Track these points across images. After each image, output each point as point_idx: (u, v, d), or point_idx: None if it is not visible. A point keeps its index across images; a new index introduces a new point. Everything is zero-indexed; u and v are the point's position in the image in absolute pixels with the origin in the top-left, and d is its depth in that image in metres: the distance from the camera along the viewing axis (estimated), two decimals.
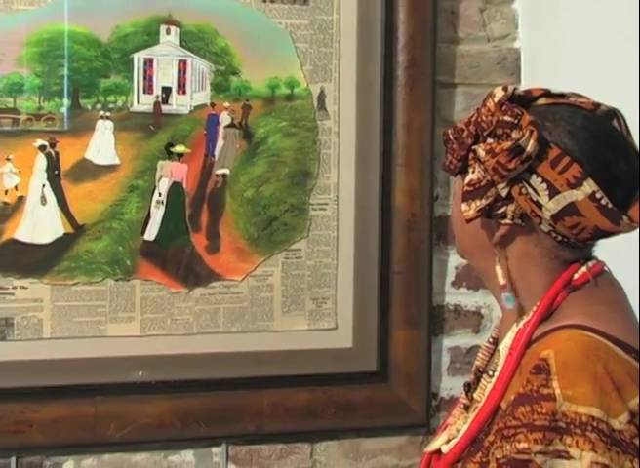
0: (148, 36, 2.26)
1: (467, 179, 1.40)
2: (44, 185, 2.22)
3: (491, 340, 1.57)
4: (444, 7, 2.44)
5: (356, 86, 2.38)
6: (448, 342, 2.50)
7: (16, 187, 2.20)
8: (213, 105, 2.31)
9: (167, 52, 2.28)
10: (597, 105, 1.41)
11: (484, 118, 1.38)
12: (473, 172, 1.39)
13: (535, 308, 1.40)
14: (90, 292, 2.25)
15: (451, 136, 1.44)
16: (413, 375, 2.41)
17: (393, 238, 2.38)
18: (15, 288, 2.21)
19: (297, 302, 2.37)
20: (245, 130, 2.32)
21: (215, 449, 2.35)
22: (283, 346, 2.36)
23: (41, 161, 2.21)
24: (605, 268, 1.45)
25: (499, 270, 1.45)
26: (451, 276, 2.49)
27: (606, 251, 1.47)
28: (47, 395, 2.21)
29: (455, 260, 2.47)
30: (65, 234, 2.24)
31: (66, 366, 2.23)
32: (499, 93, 1.37)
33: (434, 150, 2.40)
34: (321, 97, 2.36)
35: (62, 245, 2.23)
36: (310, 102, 2.36)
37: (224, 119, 2.31)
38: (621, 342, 1.31)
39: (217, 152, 2.31)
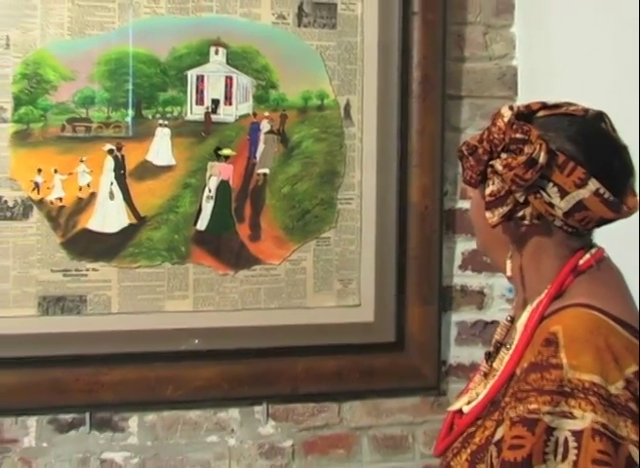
0: (200, 56, 2.25)
1: (488, 191, 1.38)
2: (112, 183, 2.21)
3: (509, 318, 1.57)
4: (452, 31, 2.43)
5: (377, 98, 2.36)
6: (455, 317, 2.48)
7: (88, 185, 2.20)
8: (255, 115, 2.29)
9: (216, 69, 2.26)
10: (586, 111, 1.41)
11: (496, 136, 1.37)
12: (493, 183, 1.38)
13: (546, 290, 1.40)
14: (150, 274, 2.25)
15: (465, 153, 1.43)
16: (425, 345, 2.40)
17: (408, 228, 2.37)
18: (88, 270, 2.21)
19: (326, 283, 2.36)
20: (282, 135, 2.31)
21: (256, 408, 2.35)
22: (314, 320, 2.35)
23: (109, 162, 2.21)
24: (605, 254, 1.45)
25: (509, 264, 1.45)
26: (458, 261, 2.48)
27: (608, 238, 1.47)
28: (115, 361, 2.21)
29: (461, 247, 2.47)
30: (130, 224, 2.23)
31: (131, 336, 2.23)
32: (506, 113, 1.37)
33: (444, 153, 2.39)
34: (347, 107, 2.35)
35: (127, 234, 2.23)
36: (338, 112, 2.34)
37: (264, 126, 2.30)
38: (619, 319, 1.32)
39: (258, 155, 2.30)
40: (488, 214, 1.39)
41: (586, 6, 2.24)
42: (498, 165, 1.36)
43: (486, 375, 1.51)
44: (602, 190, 1.32)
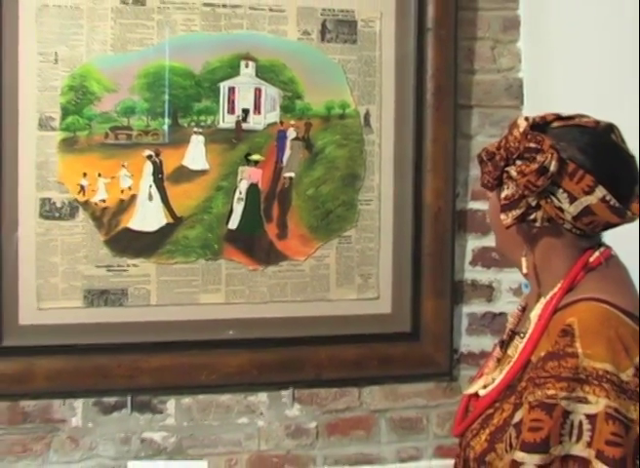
0: (231, 69, 2.24)
1: (503, 195, 1.40)
2: (151, 186, 2.21)
3: (520, 308, 1.58)
4: (463, 46, 2.42)
5: (394, 107, 2.36)
6: (466, 309, 2.47)
7: (129, 187, 2.20)
8: (282, 123, 2.28)
9: (246, 81, 2.26)
10: (597, 123, 1.41)
11: (512, 144, 1.38)
12: (507, 188, 1.39)
13: (559, 285, 1.41)
14: (186, 270, 2.24)
15: (484, 158, 1.44)
16: (438, 335, 2.39)
17: (423, 227, 2.36)
18: (128, 266, 2.21)
19: (347, 278, 2.35)
20: (307, 142, 2.30)
21: (283, 392, 2.35)
22: (336, 312, 2.34)
23: (149, 167, 2.21)
24: (613, 252, 1.46)
25: (524, 262, 1.45)
26: (469, 257, 2.46)
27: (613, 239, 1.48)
28: (154, 348, 2.21)
29: (472, 245, 2.45)
30: (167, 224, 2.23)
31: (168, 326, 2.23)
32: (522, 123, 1.39)
33: (455, 158, 2.39)
34: (366, 116, 2.34)
35: (165, 232, 2.23)
36: (358, 120, 2.33)
37: (291, 134, 2.29)
38: (628, 312, 1.33)
39: (285, 159, 2.29)
40: (502, 216, 1.40)
41: (586, 23, 2.24)
42: (512, 171, 1.37)
43: (499, 361, 1.52)
44: (608, 197, 1.33)
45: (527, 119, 1.39)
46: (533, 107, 2.43)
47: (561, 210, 1.35)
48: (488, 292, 2.47)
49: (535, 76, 2.45)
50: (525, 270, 1.45)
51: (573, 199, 1.34)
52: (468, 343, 2.46)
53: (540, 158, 1.33)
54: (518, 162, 1.37)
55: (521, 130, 1.38)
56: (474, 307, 2.47)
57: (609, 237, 1.48)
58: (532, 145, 1.35)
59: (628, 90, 2.12)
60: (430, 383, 2.44)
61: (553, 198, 1.35)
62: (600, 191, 1.33)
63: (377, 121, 2.35)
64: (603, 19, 2.20)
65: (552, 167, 1.32)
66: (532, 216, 1.39)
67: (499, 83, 2.48)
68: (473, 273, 2.47)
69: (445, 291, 2.38)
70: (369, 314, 2.37)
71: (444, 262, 2.38)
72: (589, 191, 1.33)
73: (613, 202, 1.34)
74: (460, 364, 2.45)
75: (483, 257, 2.46)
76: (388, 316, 2.38)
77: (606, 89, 2.15)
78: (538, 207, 1.37)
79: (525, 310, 1.55)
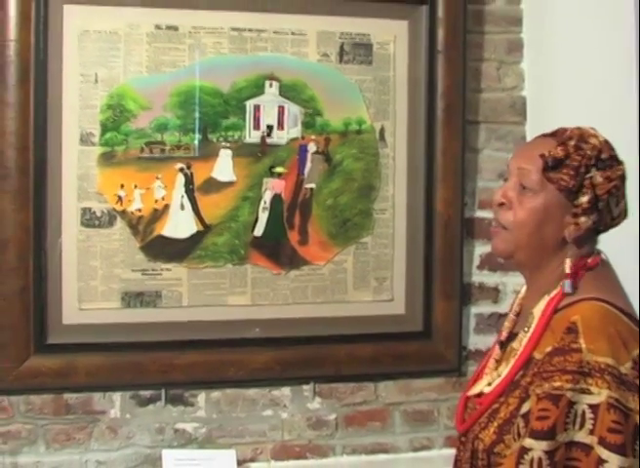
0: (257, 88, 2.23)
1: (584, 199, 1.38)
2: (182, 196, 2.20)
3: (514, 312, 1.57)
4: (471, 66, 2.40)
5: (407, 123, 2.34)
6: (474, 310, 2.45)
7: (163, 198, 2.19)
8: (303, 138, 2.27)
9: (270, 99, 2.25)
10: None
11: (589, 152, 1.38)
12: (587, 193, 1.38)
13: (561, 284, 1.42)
14: (215, 273, 2.23)
15: (550, 163, 1.40)
16: (449, 334, 2.37)
17: (434, 234, 2.34)
18: (162, 270, 2.20)
19: (364, 281, 2.33)
20: (326, 155, 2.29)
21: (305, 387, 2.33)
22: (354, 313, 2.33)
23: (180, 179, 2.20)
24: (605, 257, 1.47)
25: (568, 262, 1.42)
26: (476, 261, 2.45)
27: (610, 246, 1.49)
28: (186, 346, 2.20)
29: (479, 250, 2.44)
30: (198, 231, 2.22)
31: (199, 326, 2.22)
32: (599, 134, 1.42)
33: (464, 170, 2.37)
34: (382, 131, 2.32)
35: (195, 239, 2.22)
36: (374, 136, 2.32)
37: (311, 148, 2.28)
38: (623, 310, 1.36)
39: (306, 172, 2.28)
40: (583, 219, 1.39)
41: (586, 45, 2.26)
42: (599, 177, 1.38)
43: (497, 362, 1.52)
44: None
45: (593, 129, 1.42)
46: (535, 123, 2.42)
47: (610, 212, 1.40)
48: (494, 293, 2.46)
49: (537, 94, 2.45)
50: (568, 270, 1.41)
51: (618, 203, 1.41)
52: (476, 341, 2.44)
53: (621, 166, 1.38)
54: (596, 170, 1.38)
55: (601, 139, 1.40)
56: (481, 308, 2.46)
57: (608, 238, 1.48)
58: (613, 153, 1.39)
59: (626, 107, 2.15)
60: (441, 378, 2.42)
61: (612, 204, 1.40)
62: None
63: (391, 136, 2.33)
64: (601, 42, 2.23)
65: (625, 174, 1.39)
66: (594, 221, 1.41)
67: (504, 101, 2.46)
68: (480, 276, 2.45)
69: (454, 293, 2.37)
70: (384, 315, 2.35)
71: (453, 266, 2.36)
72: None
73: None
74: (468, 360, 2.43)
75: (490, 262, 2.44)
76: (402, 316, 2.36)
77: (604, 106, 2.16)
78: (602, 211, 1.40)
79: (519, 315, 1.55)
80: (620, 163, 1.40)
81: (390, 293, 2.35)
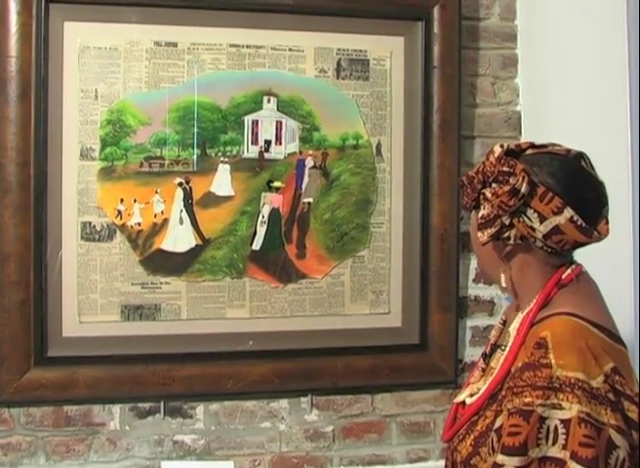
0: (255, 104, 2.24)
1: (480, 214, 1.41)
2: (181, 210, 2.20)
3: (501, 321, 1.59)
4: (466, 81, 2.41)
5: (403, 138, 2.34)
6: (470, 322, 2.45)
7: (162, 212, 2.19)
8: (300, 153, 2.27)
9: (268, 115, 2.25)
10: (568, 151, 1.43)
11: (488, 168, 1.40)
12: (484, 208, 1.40)
13: (534, 300, 1.42)
14: (214, 287, 2.23)
15: (465, 182, 1.45)
16: (445, 346, 2.36)
17: (430, 248, 2.33)
18: (161, 283, 2.20)
19: (361, 294, 2.33)
20: (324, 170, 2.29)
21: (303, 399, 2.33)
22: (351, 325, 2.32)
23: (179, 193, 2.20)
24: (583, 269, 1.46)
25: (502, 277, 1.46)
26: (472, 275, 2.44)
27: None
28: (184, 359, 2.20)
29: (475, 264, 2.42)
30: (196, 245, 2.22)
31: (197, 338, 2.22)
32: (497, 150, 1.40)
33: (460, 184, 2.35)
34: (378, 146, 2.32)
35: (194, 253, 2.22)
36: (370, 150, 2.32)
37: (309, 162, 2.28)
38: (597, 324, 1.34)
39: (303, 186, 2.28)
40: (479, 234, 1.41)
41: (579, 61, 2.26)
42: (488, 193, 1.38)
43: (484, 371, 1.52)
44: (576, 218, 1.35)
45: (502, 146, 1.41)
46: (530, 137, 2.39)
47: (532, 229, 1.37)
48: (489, 306, 2.45)
49: (531, 109, 2.45)
50: (504, 284, 1.46)
51: (543, 219, 1.35)
52: (472, 354, 2.43)
53: (512, 180, 1.35)
54: (493, 185, 1.38)
55: (496, 155, 1.39)
56: (477, 321, 2.45)
57: (603, 247, 1.46)
58: (505, 169, 1.37)
59: (619, 121, 2.16)
60: (437, 390, 2.42)
61: (525, 218, 1.37)
62: (568, 212, 1.34)
63: (387, 151, 2.33)
64: (595, 58, 2.23)
65: (523, 189, 1.33)
66: (506, 234, 1.39)
67: (498, 115, 2.46)
68: (476, 290, 2.45)
69: (450, 306, 2.36)
70: (381, 327, 2.34)
71: (449, 280, 2.36)
72: (558, 212, 1.34)
73: (580, 222, 1.35)
74: (464, 372, 2.42)
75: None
76: (398, 329, 2.36)
77: (597, 121, 2.18)
78: (511, 226, 1.39)
79: (505, 324, 1.56)
80: (515, 178, 1.34)
81: (387, 306, 2.35)
